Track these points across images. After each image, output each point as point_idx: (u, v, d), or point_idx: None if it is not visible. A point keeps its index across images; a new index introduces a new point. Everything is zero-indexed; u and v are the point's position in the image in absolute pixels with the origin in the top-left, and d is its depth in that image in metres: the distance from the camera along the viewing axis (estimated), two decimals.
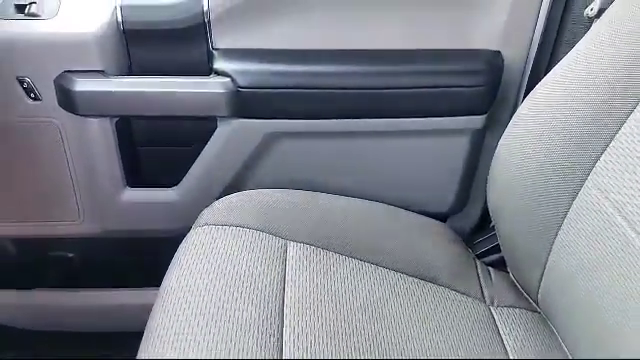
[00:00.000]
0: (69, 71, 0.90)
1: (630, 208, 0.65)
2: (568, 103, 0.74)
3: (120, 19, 0.90)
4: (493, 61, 0.93)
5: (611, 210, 0.69)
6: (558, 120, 0.75)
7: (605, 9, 0.77)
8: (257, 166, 0.98)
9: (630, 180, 0.67)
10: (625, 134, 0.69)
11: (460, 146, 0.97)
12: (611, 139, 0.71)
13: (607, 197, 0.70)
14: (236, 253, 0.80)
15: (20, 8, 0.90)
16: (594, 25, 0.79)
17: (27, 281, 1.11)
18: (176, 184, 1.01)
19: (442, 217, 1.04)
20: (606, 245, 0.68)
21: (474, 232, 1.08)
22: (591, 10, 0.82)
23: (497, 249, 0.94)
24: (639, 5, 0.70)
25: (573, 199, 0.75)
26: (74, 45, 0.89)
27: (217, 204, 0.90)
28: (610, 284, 0.66)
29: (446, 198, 1.04)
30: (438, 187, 1.02)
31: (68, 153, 0.97)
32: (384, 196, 0.99)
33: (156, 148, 1.01)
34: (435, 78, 0.93)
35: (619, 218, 0.67)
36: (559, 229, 0.77)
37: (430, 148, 0.98)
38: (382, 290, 0.81)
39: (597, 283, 0.69)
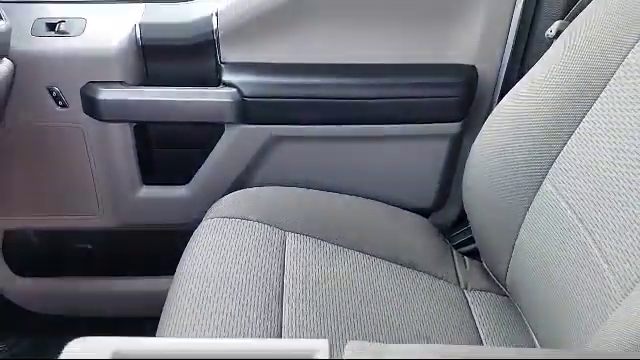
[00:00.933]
0: (93, 82, 1.02)
1: (580, 205, 0.76)
2: (530, 114, 0.86)
3: (139, 36, 1.02)
4: (468, 74, 1.05)
5: (564, 205, 0.80)
6: (520, 128, 0.86)
7: (562, 31, 0.89)
8: (259, 166, 1.10)
9: (580, 179, 0.79)
10: (575, 140, 0.81)
11: (440, 150, 1.09)
12: (564, 145, 0.83)
13: (560, 194, 0.82)
14: (241, 242, 0.92)
15: (51, 26, 1.02)
16: (552, 45, 0.91)
17: (50, 270, 1.22)
18: (187, 182, 1.12)
19: (425, 213, 1.16)
20: (559, 236, 0.80)
21: (453, 227, 1.20)
22: (550, 32, 0.94)
23: (472, 240, 1.05)
24: (589, 27, 0.82)
25: (533, 196, 0.87)
26: (98, 59, 1.01)
27: (224, 199, 1.01)
28: (563, 270, 0.78)
29: (428, 196, 1.15)
30: (421, 186, 1.14)
31: (90, 154, 1.09)
32: (373, 194, 1.11)
33: (169, 150, 1.12)
34: (417, 89, 1.05)
35: (569, 212, 0.79)
36: (522, 222, 0.89)
37: (413, 151, 1.09)
38: (368, 275, 0.92)
39: (552, 269, 0.81)
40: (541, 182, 0.86)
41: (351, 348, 0.44)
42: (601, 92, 0.79)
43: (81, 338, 0.45)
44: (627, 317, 0.59)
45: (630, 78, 0.75)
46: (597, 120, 0.79)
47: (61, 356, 0.44)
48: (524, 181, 0.88)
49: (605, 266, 0.68)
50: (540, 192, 0.86)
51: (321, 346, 0.43)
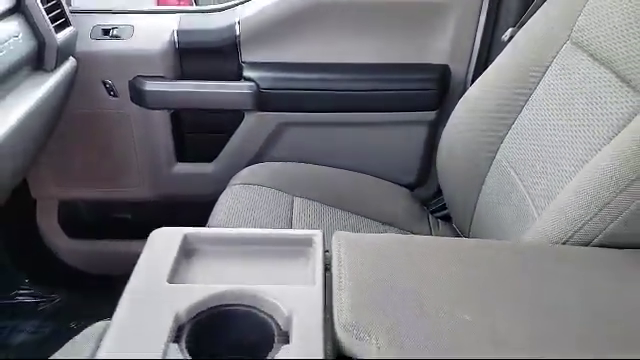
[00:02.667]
0: (140, 76, 1.27)
1: (520, 168, 0.98)
2: (485, 103, 1.09)
3: (176, 40, 1.27)
4: (442, 72, 1.28)
5: (510, 170, 1.03)
6: (479, 115, 1.09)
7: (514, 36, 1.13)
8: (272, 146, 1.34)
9: (521, 150, 1.01)
10: (518, 123, 1.04)
11: (419, 134, 1.33)
12: (511, 125, 1.05)
13: (508, 162, 1.04)
14: (257, 203, 1.15)
15: (106, 31, 1.27)
16: (506, 47, 1.14)
17: (97, 233, 1.46)
18: (213, 159, 1.36)
19: (410, 188, 1.39)
20: (506, 193, 1.03)
21: (432, 198, 1.43)
22: (505, 37, 1.18)
23: (445, 207, 1.28)
24: (533, 32, 1.04)
25: (489, 167, 1.10)
26: (143, 58, 1.26)
27: (244, 171, 1.25)
28: (508, 216, 1.00)
29: (411, 173, 1.39)
30: (405, 164, 1.37)
31: (135, 136, 1.33)
32: (364, 170, 1.34)
33: (199, 134, 1.36)
34: (400, 84, 1.28)
35: (513, 173, 1.01)
36: (481, 188, 1.12)
37: (397, 135, 1.33)
38: (357, 230, 1.15)
39: (501, 220, 1.03)
40: (494, 155, 1.09)
41: (337, 236, 0.67)
42: (538, 84, 1.02)
43: (159, 229, 0.69)
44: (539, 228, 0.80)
45: (560, 74, 0.98)
46: (534, 107, 1.01)
47: (148, 241, 0.68)
48: (482, 155, 1.10)
49: (531, 205, 0.91)
50: (494, 163, 1.09)
51: (318, 234, 0.67)
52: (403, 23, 1.26)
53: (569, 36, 0.98)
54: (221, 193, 1.21)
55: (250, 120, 1.31)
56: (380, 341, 0.52)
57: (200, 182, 1.38)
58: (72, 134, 1.33)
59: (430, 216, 1.28)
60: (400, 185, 1.36)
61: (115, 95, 1.28)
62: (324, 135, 1.32)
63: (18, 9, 1.08)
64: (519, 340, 0.54)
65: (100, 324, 0.61)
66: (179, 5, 3.08)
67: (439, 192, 1.42)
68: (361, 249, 0.66)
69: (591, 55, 0.91)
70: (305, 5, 1.24)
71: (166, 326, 0.53)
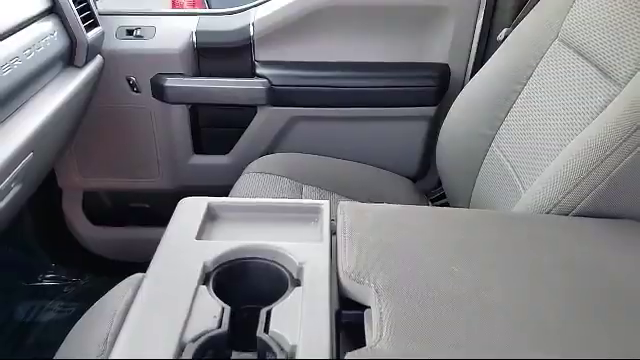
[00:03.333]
0: (161, 73, 1.36)
1: (513, 156, 1.07)
2: (482, 95, 1.18)
3: (194, 40, 1.36)
4: (442, 70, 1.38)
5: (503, 159, 1.12)
6: (475, 109, 1.18)
7: (507, 36, 1.22)
8: (283, 138, 1.43)
9: (513, 140, 1.10)
10: (511, 115, 1.13)
11: (421, 128, 1.42)
12: (505, 117, 1.14)
13: (501, 152, 1.13)
14: (269, 189, 1.24)
15: (130, 32, 1.38)
16: (501, 45, 1.23)
17: (117, 221, 1.56)
18: (228, 152, 1.46)
19: (412, 180, 1.48)
20: (500, 180, 1.12)
21: (433, 189, 1.52)
22: (500, 37, 1.27)
23: (444, 196, 1.37)
24: (525, 31, 1.13)
25: (484, 157, 1.19)
26: (164, 56, 1.36)
27: (256, 161, 1.35)
28: (499, 201, 1.09)
29: (413, 165, 1.48)
30: (407, 157, 1.46)
31: (155, 129, 1.43)
32: (369, 162, 1.44)
33: (215, 128, 1.46)
34: (403, 81, 1.38)
35: (506, 162, 1.10)
36: (477, 176, 1.21)
37: (400, 129, 1.42)
38: None
39: (492, 205, 1.12)
40: (489, 146, 1.17)
41: (341, 205, 0.76)
42: (529, 79, 1.11)
43: (186, 198, 0.78)
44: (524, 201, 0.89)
45: (548, 69, 1.06)
46: (525, 100, 1.10)
47: (176, 208, 0.77)
48: (478, 147, 1.19)
49: (520, 186, 1.00)
50: (488, 153, 1.18)
51: (325, 203, 0.76)
52: (405, 25, 1.36)
53: (557, 34, 1.06)
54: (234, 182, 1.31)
55: (263, 114, 1.40)
56: (377, 284, 0.61)
57: (215, 173, 1.47)
58: (97, 127, 1.43)
59: (430, 204, 1.36)
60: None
61: (138, 91, 1.38)
62: (332, 129, 1.42)
63: (53, 10, 1.18)
64: (499, 290, 0.63)
65: (137, 275, 0.70)
66: (193, 8, 3.20)
67: (439, 184, 1.51)
68: (363, 216, 0.75)
69: (576, 51, 1.00)
70: (314, 8, 1.34)
71: (196, 272, 0.63)
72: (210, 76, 1.38)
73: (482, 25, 1.34)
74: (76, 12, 1.21)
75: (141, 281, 0.64)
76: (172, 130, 1.43)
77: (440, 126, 1.29)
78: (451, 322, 0.57)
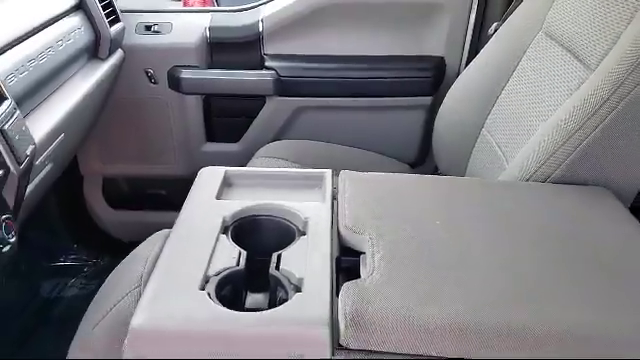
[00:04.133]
0: (176, 66, 1.47)
1: (500, 138, 1.17)
2: (474, 84, 1.28)
3: (208, 35, 1.47)
4: (438, 63, 1.48)
5: (491, 141, 1.21)
6: (467, 97, 1.28)
7: (497, 29, 1.32)
8: (289, 126, 1.54)
9: (501, 123, 1.20)
10: (500, 100, 1.22)
11: (418, 116, 1.52)
12: (494, 104, 1.24)
13: (491, 135, 1.23)
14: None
15: (148, 27, 1.49)
16: (491, 38, 1.33)
17: (135, 205, 1.67)
18: (238, 140, 1.56)
19: (411, 165, 1.58)
20: (489, 161, 1.21)
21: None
22: (491, 30, 1.37)
23: None
24: (513, 24, 1.23)
25: (475, 141, 1.28)
26: (180, 50, 1.46)
27: (264, 147, 1.45)
28: (486, 176, 1.19)
29: (412, 151, 1.57)
30: (406, 144, 1.56)
31: (171, 119, 1.54)
32: (370, 148, 1.53)
33: (227, 117, 1.56)
34: (402, 72, 1.48)
35: (494, 144, 1.20)
36: (469, 159, 1.30)
37: (399, 117, 1.52)
38: None
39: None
40: (480, 130, 1.27)
41: (342, 173, 0.87)
42: (516, 68, 1.20)
43: (206, 167, 0.88)
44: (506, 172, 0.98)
45: (532, 58, 1.16)
46: (511, 87, 1.20)
47: (197, 176, 0.88)
48: (470, 132, 1.28)
49: (505, 162, 1.09)
50: (479, 137, 1.28)
51: (328, 172, 0.87)
52: (404, 20, 1.46)
53: (542, 27, 1.16)
54: None
55: (271, 104, 1.51)
56: (372, 234, 0.71)
57: (226, 160, 1.56)
58: (116, 117, 1.54)
59: None
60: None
61: (155, 82, 1.49)
62: (335, 117, 1.52)
63: (80, 7, 1.29)
64: (474, 238, 0.73)
65: (164, 230, 0.80)
66: (203, 6, 3.34)
67: (436, 170, 1.61)
68: (361, 182, 0.85)
69: (557, 42, 1.10)
70: (318, 5, 1.45)
71: (217, 224, 0.73)
72: (222, 68, 1.48)
73: (475, 20, 1.44)
74: (100, 9, 1.32)
75: (168, 234, 0.75)
76: (187, 119, 1.53)
77: (436, 114, 1.39)
78: (434, 262, 0.67)
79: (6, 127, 0.83)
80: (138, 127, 1.56)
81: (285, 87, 1.48)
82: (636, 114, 0.85)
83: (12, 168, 0.83)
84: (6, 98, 0.87)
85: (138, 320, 0.58)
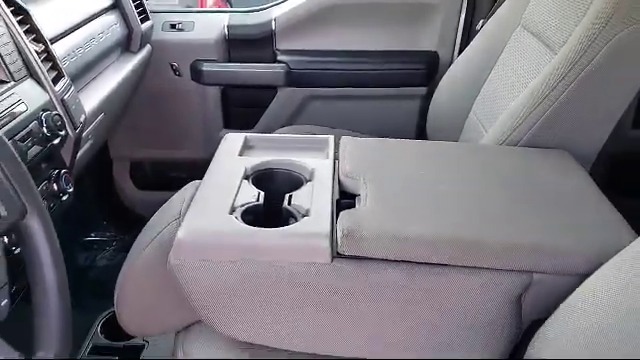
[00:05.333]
0: (198, 59, 1.65)
1: (484, 118, 1.33)
2: (462, 74, 1.44)
3: (226, 32, 1.65)
4: (432, 56, 1.65)
5: (477, 121, 1.38)
6: (457, 84, 1.44)
7: (483, 25, 1.49)
8: (298, 115, 1.71)
9: (485, 106, 1.36)
10: (485, 87, 1.39)
11: (414, 105, 1.69)
12: (479, 91, 1.40)
13: (476, 116, 1.39)
14: None
15: (173, 25, 1.67)
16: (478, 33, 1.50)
17: (159, 186, 1.84)
18: (253, 126, 1.74)
19: None
20: (472, 138, 1.38)
21: None
22: (478, 27, 1.54)
23: None
24: (497, 20, 1.40)
25: (464, 123, 1.45)
26: (202, 45, 1.64)
27: (278, 130, 1.62)
28: None
29: (409, 135, 1.73)
30: (404, 129, 1.72)
31: (192, 107, 1.72)
32: (371, 133, 1.70)
33: (243, 107, 1.74)
34: (400, 65, 1.65)
35: (479, 123, 1.36)
36: (458, 137, 1.46)
37: (398, 105, 1.69)
38: None
39: None
40: (468, 113, 1.44)
41: (343, 139, 1.03)
42: (498, 59, 1.37)
43: (229, 133, 1.05)
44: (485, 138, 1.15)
45: (511, 50, 1.32)
46: (494, 75, 1.36)
47: (222, 141, 1.04)
48: (459, 115, 1.44)
49: (484, 132, 1.25)
50: (467, 120, 1.44)
51: (331, 137, 1.03)
52: (401, 19, 1.64)
53: (520, 22, 1.33)
54: None
55: (282, 94, 1.68)
56: (365, 180, 0.88)
57: None
58: (144, 106, 1.72)
59: None
60: None
61: (179, 74, 1.67)
62: (340, 105, 1.69)
63: (115, 6, 1.47)
64: (451, 184, 0.89)
65: (194, 182, 0.97)
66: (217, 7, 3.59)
67: None
68: (361, 145, 1.02)
69: (532, 33, 1.26)
70: (325, 6, 1.62)
71: (240, 173, 0.90)
72: (239, 62, 1.66)
73: (465, 18, 1.61)
74: (133, 7, 1.50)
75: (199, 184, 0.92)
76: (206, 108, 1.71)
77: (430, 102, 1.55)
78: (414, 198, 0.84)
79: (65, 97, 1.01)
80: (163, 115, 1.74)
81: (295, 79, 1.65)
82: (589, 89, 1.01)
83: (70, 132, 1.01)
84: (63, 76, 1.05)
85: (182, 234, 0.75)
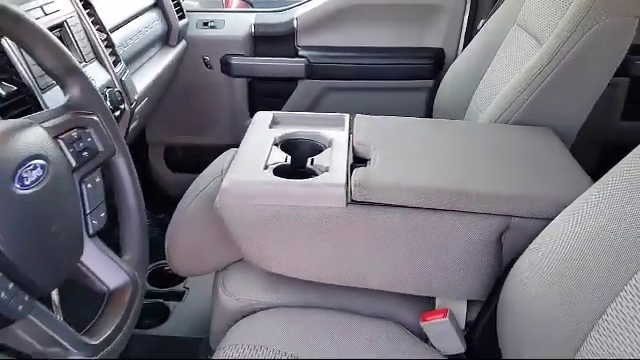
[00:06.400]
0: (228, 54, 1.84)
1: (481, 105, 1.51)
2: (463, 69, 1.61)
3: (253, 30, 1.84)
4: (438, 53, 1.83)
5: (477, 111, 1.55)
6: (460, 77, 1.61)
7: (484, 25, 1.66)
8: (316, 104, 1.89)
9: (483, 96, 1.53)
10: (483, 79, 1.56)
11: (422, 96, 1.87)
12: (478, 83, 1.57)
13: (476, 105, 1.56)
14: None
15: (205, 24, 1.86)
16: (479, 32, 1.67)
17: (190, 169, 2.03)
18: None
19: None
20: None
21: None
22: (479, 26, 1.71)
23: None
24: (496, 18, 1.57)
25: (466, 110, 1.62)
26: (231, 41, 1.84)
27: None
28: None
29: None
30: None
31: (221, 97, 1.90)
32: None
33: (267, 97, 1.92)
34: (409, 60, 1.83)
35: (477, 111, 1.54)
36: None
37: (406, 97, 1.86)
38: None
39: None
40: (469, 103, 1.61)
41: (357, 117, 1.21)
42: (495, 54, 1.53)
43: (260, 112, 1.24)
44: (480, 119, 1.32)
45: (507, 45, 1.49)
46: (491, 68, 1.53)
47: (253, 118, 1.23)
48: (461, 104, 1.60)
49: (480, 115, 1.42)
50: (468, 109, 1.60)
51: (346, 115, 1.21)
52: (411, 19, 1.82)
53: (515, 20, 1.50)
54: None
55: (302, 86, 1.87)
56: (376, 147, 1.05)
57: None
58: (177, 95, 1.91)
59: None
60: None
61: (210, 67, 1.86)
62: (354, 96, 1.87)
63: (157, 4, 1.67)
64: (445, 147, 1.06)
65: (231, 150, 1.15)
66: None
67: None
68: (372, 121, 1.20)
69: (525, 29, 1.43)
70: (342, 7, 1.81)
71: (270, 141, 1.08)
72: (264, 56, 1.85)
73: (468, 18, 1.78)
74: (172, 6, 1.70)
75: (237, 150, 1.10)
76: (234, 98, 1.90)
77: (436, 93, 1.72)
78: (416, 159, 1.01)
79: (123, 78, 1.20)
80: (195, 104, 1.93)
81: (314, 71, 1.84)
82: (568, 75, 1.18)
83: (126, 107, 1.20)
84: (120, 61, 1.24)
85: (226, 183, 0.94)
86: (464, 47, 1.79)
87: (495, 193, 0.92)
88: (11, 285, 0.53)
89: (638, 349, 0.61)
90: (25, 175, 0.57)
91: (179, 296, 1.41)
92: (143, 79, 1.46)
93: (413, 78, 1.84)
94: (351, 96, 1.87)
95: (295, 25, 1.84)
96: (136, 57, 1.45)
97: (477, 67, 1.56)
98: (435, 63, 1.83)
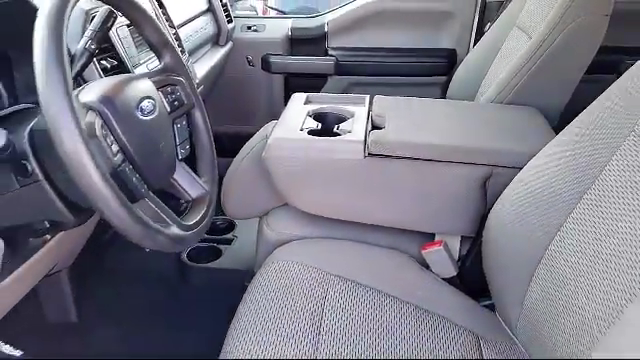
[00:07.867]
0: (268, 53, 2.13)
1: (484, 93, 1.76)
2: (472, 67, 1.87)
3: (290, 33, 2.13)
4: (451, 53, 2.09)
5: (481, 99, 1.80)
6: (469, 72, 1.86)
7: (490, 27, 1.92)
8: None
9: (487, 86, 1.79)
10: (487, 74, 1.81)
11: (436, 91, 2.12)
12: (484, 77, 1.82)
13: (481, 94, 1.82)
14: None
15: (249, 27, 2.16)
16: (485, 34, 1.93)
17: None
18: None
19: None
20: None
21: None
22: (486, 29, 1.97)
23: None
24: (501, 20, 1.83)
25: (473, 99, 1.87)
26: (271, 43, 2.13)
27: None
28: None
29: None
30: None
31: (261, 91, 2.19)
32: None
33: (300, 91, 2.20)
34: (425, 59, 2.09)
35: (482, 99, 1.79)
36: None
37: (422, 92, 2.11)
38: None
39: None
40: (476, 94, 1.85)
41: (376, 97, 1.48)
42: (498, 52, 1.78)
43: (296, 93, 1.51)
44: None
45: (507, 45, 1.74)
46: (495, 64, 1.78)
47: (291, 98, 1.50)
48: (469, 96, 1.86)
49: (481, 98, 1.68)
50: (475, 98, 1.86)
51: (367, 96, 1.48)
52: (427, 23, 2.08)
53: (515, 23, 1.76)
54: None
55: (331, 81, 2.15)
56: (390, 117, 1.31)
57: None
58: (223, 89, 2.20)
59: None
60: None
61: (252, 65, 2.15)
62: (377, 90, 2.07)
63: (209, 10, 1.97)
64: (446, 119, 1.32)
65: (271, 122, 1.43)
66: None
67: None
68: (387, 99, 1.46)
69: (522, 29, 1.68)
70: (368, 13, 2.09)
71: (304, 112, 1.35)
72: (299, 55, 2.14)
73: (477, 23, 2.04)
74: (222, 11, 2.00)
75: (278, 121, 1.37)
76: (272, 92, 2.19)
77: (448, 87, 1.97)
78: (423, 125, 1.27)
79: (187, 64, 1.49)
80: (238, 97, 2.22)
81: (342, 69, 2.12)
82: (552, 63, 1.43)
83: None
84: (185, 52, 1.53)
85: (271, 140, 1.21)
86: (474, 47, 2.05)
87: (481, 148, 1.17)
88: (138, 175, 0.80)
89: (584, 250, 0.85)
90: (144, 107, 0.85)
91: (229, 242, 1.69)
92: (199, 71, 1.75)
93: (428, 75, 2.11)
94: (373, 90, 2.10)
95: (326, 29, 2.12)
96: (193, 52, 1.75)
97: (483, 64, 1.81)
98: (448, 62, 2.09)
